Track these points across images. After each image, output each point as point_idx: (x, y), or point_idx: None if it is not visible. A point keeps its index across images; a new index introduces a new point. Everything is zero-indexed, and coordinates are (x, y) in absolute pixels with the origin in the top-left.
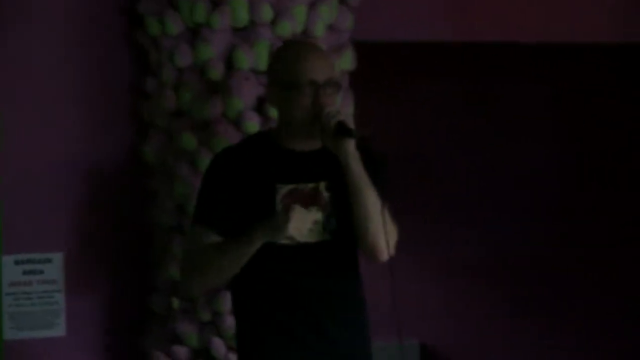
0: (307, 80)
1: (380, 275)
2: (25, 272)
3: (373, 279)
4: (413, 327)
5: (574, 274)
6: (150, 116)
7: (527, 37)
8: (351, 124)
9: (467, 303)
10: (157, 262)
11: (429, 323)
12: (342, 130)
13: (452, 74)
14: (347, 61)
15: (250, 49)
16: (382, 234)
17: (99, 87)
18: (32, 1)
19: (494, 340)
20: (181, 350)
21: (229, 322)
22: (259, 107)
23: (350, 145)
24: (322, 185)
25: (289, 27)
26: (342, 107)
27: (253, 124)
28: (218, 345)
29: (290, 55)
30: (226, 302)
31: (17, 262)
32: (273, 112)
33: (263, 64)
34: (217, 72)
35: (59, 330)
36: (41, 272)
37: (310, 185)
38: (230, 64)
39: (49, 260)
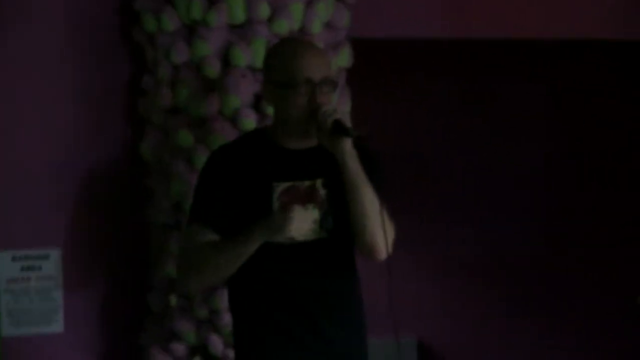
0: (303, 79)
1: (377, 273)
2: (23, 269)
3: (370, 278)
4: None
5: (571, 273)
6: (147, 113)
7: (525, 34)
8: (348, 122)
9: (464, 302)
10: (154, 259)
11: (426, 322)
12: (339, 129)
13: (449, 71)
14: (343, 59)
15: (247, 46)
16: (381, 232)
17: (96, 84)
18: (32, 1)
19: (490, 339)
20: (179, 347)
21: (226, 319)
22: (256, 104)
23: (348, 144)
24: (318, 183)
25: (286, 25)
26: (338, 104)
27: (250, 122)
28: (215, 342)
29: (286, 53)
30: (223, 299)
31: (14, 259)
32: (270, 110)
33: (260, 61)
34: (213, 69)
35: (57, 326)
36: (39, 268)
37: (307, 182)
38: (226, 61)
39: (46, 257)
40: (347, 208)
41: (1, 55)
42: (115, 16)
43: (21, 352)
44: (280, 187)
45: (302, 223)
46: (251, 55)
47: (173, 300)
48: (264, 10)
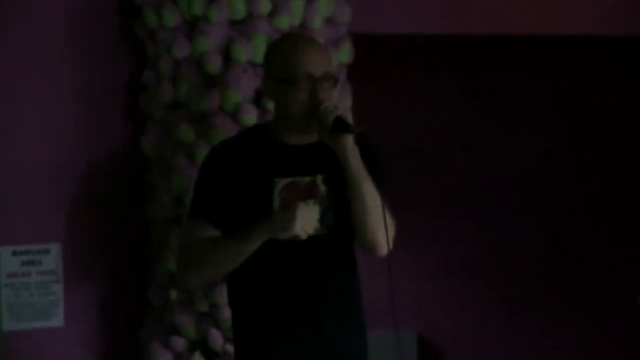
0: (303, 74)
1: (377, 270)
2: (23, 263)
3: (371, 274)
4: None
5: (571, 272)
6: (148, 108)
7: (526, 31)
8: (349, 118)
9: (464, 300)
10: (154, 254)
11: (425, 320)
12: (340, 125)
13: (449, 67)
14: (344, 54)
15: (248, 42)
16: (382, 228)
17: (96, 84)
18: (32, 1)
19: (490, 337)
20: (179, 342)
21: (226, 313)
22: (257, 99)
23: (349, 141)
24: (319, 179)
25: (287, 20)
26: (339, 100)
27: (250, 117)
28: (215, 337)
29: (287, 49)
30: (223, 293)
31: (15, 253)
32: (270, 105)
33: (260, 56)
34: (214, 64)
35: (57, 320)
36: (39, 262)
37: (307, 178)
38: (227, 56)
39: (46, 251)
40: (348, 204)
41: (1, 55)
42: (115, 15)
43: (21, 347)
44: (281, 182)
45: (308, 221)
46: (252, 50)
47: (173, 294)
48: (264, 6)
